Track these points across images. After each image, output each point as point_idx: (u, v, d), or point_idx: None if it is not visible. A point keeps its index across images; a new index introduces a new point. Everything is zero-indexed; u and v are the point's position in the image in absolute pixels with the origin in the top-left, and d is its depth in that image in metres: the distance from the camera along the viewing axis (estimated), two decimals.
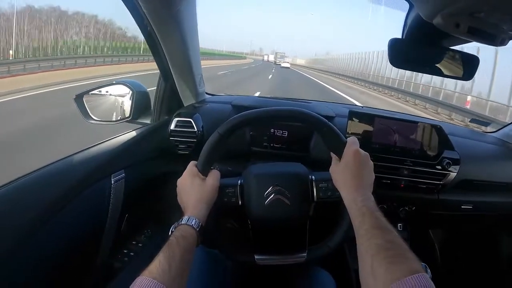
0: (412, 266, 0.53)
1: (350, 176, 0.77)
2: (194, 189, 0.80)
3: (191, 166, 0.83)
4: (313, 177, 0.89)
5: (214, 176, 0.83)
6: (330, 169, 0.84)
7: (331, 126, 0.83)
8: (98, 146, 1.11)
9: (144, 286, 0.57)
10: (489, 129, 1.89)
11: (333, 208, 0.88)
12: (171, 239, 0.68)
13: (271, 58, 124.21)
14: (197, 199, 0.79)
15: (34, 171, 0.91)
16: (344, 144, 0.81)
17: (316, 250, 0.89)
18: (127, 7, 1.03)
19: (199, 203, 0.78)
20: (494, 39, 0.76)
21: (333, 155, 0.84)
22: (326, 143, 0.84)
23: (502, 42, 0.78)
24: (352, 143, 0.80)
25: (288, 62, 65.16)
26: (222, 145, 0.84)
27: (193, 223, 0.73)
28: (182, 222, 0.73)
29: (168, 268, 0.61)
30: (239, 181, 0.88)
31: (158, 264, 0.62)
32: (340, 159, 0.81)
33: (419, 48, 0.95)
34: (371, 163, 0.80)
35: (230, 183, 0.87)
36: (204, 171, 0.82)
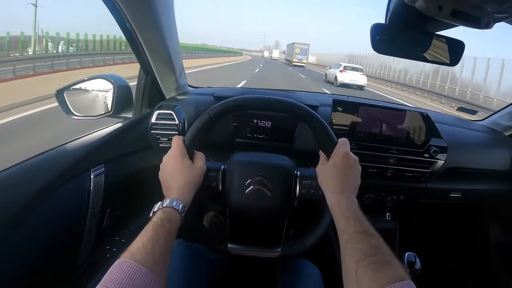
0: (398, 273, 0.51)
1: (336, 178, 0.75)
2: (183, 171, 0.76)
3: (179, 143, 0.79)
4: (298, 172, 0.88)
5: (202, 160, 0.81)
6: (317, 167, 0.83)
7: (324, 123, 0.82)
8: (77, 140, 1.08)
9: (125, 269, 0.53)
10: (476, 117, 1.89)
11: (313, 206, 0.87)
12: (155, 221, 0.65)
13: (275, 54, 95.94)
14: (185, 181, 0.75)
15: (10, 166, 0.88)
16: (334, 144, 0.79)
17: (291, 247, 0.88)
18: None
19: (186, 186, 0.75)
20: (478, 22, 0.74)
21: (321, 153, 0.83)
22: (317, 140, 0.83)
23: (487, 25, 0.76)
24: (343, 144, 0.79)
25: (362, 72, 21.14)
26: (210, 127, 0.82)
27: (179, 207, 0.70)
28: (168, 205, 0.70)
29: (152, 250, 0.58)
30: (222, 166, 0.87)
31: (141, 246, 0.58)
32: (328, 158, 0.80)
33: (402, 33, 0.94)
34: (359, 167, 0.79)
35: (213, 166, 0.86)
36: (190, 149, 0.79)
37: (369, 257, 0.56)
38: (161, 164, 0.80)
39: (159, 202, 0.72)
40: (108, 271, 0.54)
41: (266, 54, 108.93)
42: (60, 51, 15.41)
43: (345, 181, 0.75)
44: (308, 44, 54.78)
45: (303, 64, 50.45)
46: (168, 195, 0.73)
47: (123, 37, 1.15)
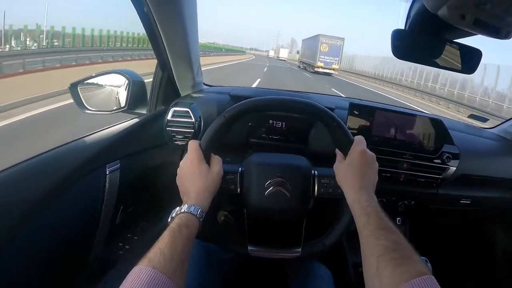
0: (419, 268, 0.52)
1: (354, 175, 0.76)
2: (201, 176, 0.76)
3: (196, 147, 0.78)
4: (315, 172, 0.88)
5: (219, 163, 0.81)
6: (334, 166, 0.83)
7: (341, 122, 0.82)
8: (93, 135, 1.09)
9: (143, 277, 0.53)
10: (487, 124, 1.89)
11: (331, 205, 0.88)
12: (173, 227, 0.65)
13: (283, 54, 78.45)
14: (203, 187, 0.75)
15: (26, 160, 0.88)
16: (351, 142, 0.80)
17: (311, 247, 0.88)
18: None
19: (204, 191, 0.75)
20: (499, 32, 0.74)
21: (338, 152, 0.84)
22: (333, 139, 0.83)
23: (507, 36, 0.76)
24: (359, 142, 0.80)
25: None
26: (226, 130, 0.82)
27: (197, 212, 0.70)
28: (185, 210, 0.70)
29: (170, 257, 0.58)
30: (240, 169, 0.87)
31: (158, 253, 0.58)
32: (345, 156, 0.81)
33: (421, 39, 0.94)
34: (376, 164, 0.79)
35: (230, 169, 0.86)
36: (206, 153, 0.79)
37: (390, 252, 0.56)
38: (178, 169, 0.79)
39: (177, 208, 0.72)
40: (126, 278, 0.54)
41: (271, 53, 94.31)
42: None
43: (363, 177, 0.76)
44: (343, 39, 32.41)
45: (331, 72, 31.69)
46: (186, 201, 0.74)
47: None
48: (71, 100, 1.20)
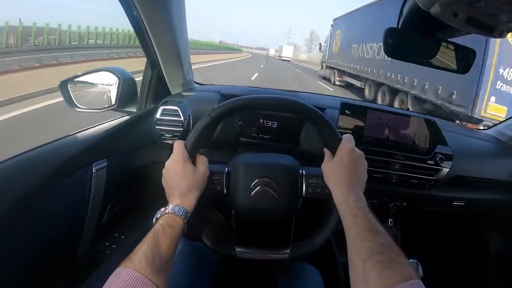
0: (406, 272, 0.50)
1: (342, 174, 0.74)
2: (186, 176, 0.74)
3: (181, 148, 0.76)
4: (303, 171, 0.86)
5: (205, 164, 0.79)
6: (322, 165, 0.81)
7: (328, 120, 0.80)
8: (79, 133, 1.07)
9: (124, 278, 0.53)
10: (482, 126, 1.88)
11: (320, 205, 0.86)
12: (157, 228, 0.64)
13: (287, 52, 63.04)
14: (188, 187, 0.74)
15: (10, 158, 0.87)
16: (339, 140, 0.78)
17: (300, 248, 0.87)
18: None
19: (189, 192, 0.73)
20: (492, 30, 0.73)
21: (326, 150, 0.82)
22: (321, 137, 0.81)
23: (501, 34, 0.75)
24: (348, 140, 0.78)
25: None
26: (212, 129, 0.80)
27: (181, 213, 0.69)
28: (170, 211, 0.68)
29: (152, 259, 0.57)
30: (226, 169, 0.85)
31: (141, 255, 0.57)
32: (333, 155, 0.79)
33: (414, 38, 0.92)
34: (365, 162, 0.77)
35: (217, 169, 0.84)
36: (192, 153, 0.77)
37: (377, 255, 0.54)
38: (163, 170, 0.78)
39: (162, 209, 0.71)
40: (108, 280, 0.54)
41: (272, 52, 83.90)
42: None
43: (351, 176, 0.74)
44: None
45: None
46: (171, 201, 0.72)
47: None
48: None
